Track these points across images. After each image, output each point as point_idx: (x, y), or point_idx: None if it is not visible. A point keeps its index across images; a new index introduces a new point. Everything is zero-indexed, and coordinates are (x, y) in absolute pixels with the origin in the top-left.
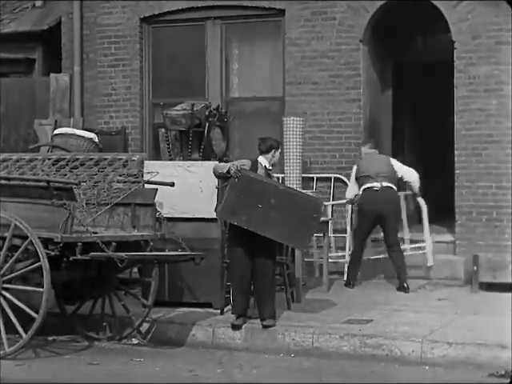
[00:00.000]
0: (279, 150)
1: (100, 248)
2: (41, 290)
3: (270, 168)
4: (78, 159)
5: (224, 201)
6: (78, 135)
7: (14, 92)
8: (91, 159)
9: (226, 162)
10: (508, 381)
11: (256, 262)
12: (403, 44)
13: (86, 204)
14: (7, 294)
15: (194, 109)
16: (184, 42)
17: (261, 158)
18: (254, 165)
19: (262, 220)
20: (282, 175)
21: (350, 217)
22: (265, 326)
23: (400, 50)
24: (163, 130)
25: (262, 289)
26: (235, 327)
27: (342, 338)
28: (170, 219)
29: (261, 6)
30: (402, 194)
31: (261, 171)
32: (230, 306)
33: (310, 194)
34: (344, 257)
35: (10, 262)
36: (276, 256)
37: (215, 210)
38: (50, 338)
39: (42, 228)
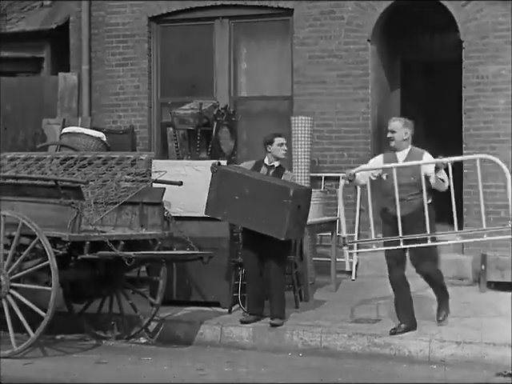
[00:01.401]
0: (275, 143)
1: (108, 247)
2: (49, 288)
3: (272, 164)
4: (85, 158)
5: (207, 197)
6: (86, 134)
7: (22, 91)
8: (99, 158)
9: (234, 161)
10: None
11: (266, 262)
12: (411, 43)
13: (94, 203)
14: (15, 293)
15: (202, 108)
16: (192, 41)
17: (265, 157)
18: (258, 164)
19: (241, 212)
20: None
21: None
22: (272, 325)
23: (408, 49)
24: (171, 129)
25: (271, 289)
26: (243, 322)
27: (350, 338)
28: (177, 218)
29: (269, 6)
30: None
31: (264, 170)
32: (237, 305)
33: (287, 181)
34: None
35: (18, 260)
36: (286, 256)
37: None
38: (58, 337)
39: (50, 227)
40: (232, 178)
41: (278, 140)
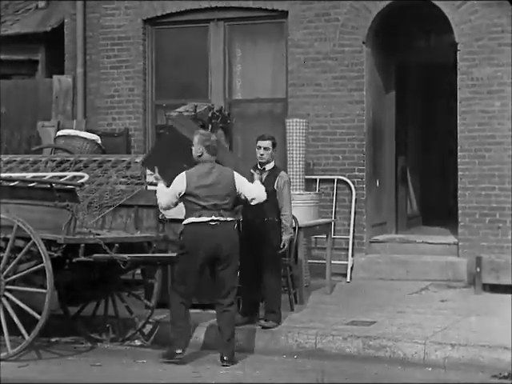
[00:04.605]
0: (256, 146)
1: (103, 249)
2: (44, 291)
3: (264, 167)
4: (81, 161)
5: (151, 150)
6: (81, 137)
7: (17, 93)
8: (94, 161)
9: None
10: (510, 382)
11: (262, 265)
12: (406, 46)
13: (89, 206)
14: (10, 296)
15: (197, 110)
16: (187, 43)
17: None
18: (254, 169)
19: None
20: None
21: None
22: (263, 327)
23: (403, 51)
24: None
25: (266, 292)
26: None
27: (345, 340)
28: (172, 220)
29: (264, 8)
30: None
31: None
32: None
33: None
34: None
35: (13, 263)
36: (281, 259)
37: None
38: (53, 340)
39: (44, 229)
40: (185, 143)
41: (257, 143)
